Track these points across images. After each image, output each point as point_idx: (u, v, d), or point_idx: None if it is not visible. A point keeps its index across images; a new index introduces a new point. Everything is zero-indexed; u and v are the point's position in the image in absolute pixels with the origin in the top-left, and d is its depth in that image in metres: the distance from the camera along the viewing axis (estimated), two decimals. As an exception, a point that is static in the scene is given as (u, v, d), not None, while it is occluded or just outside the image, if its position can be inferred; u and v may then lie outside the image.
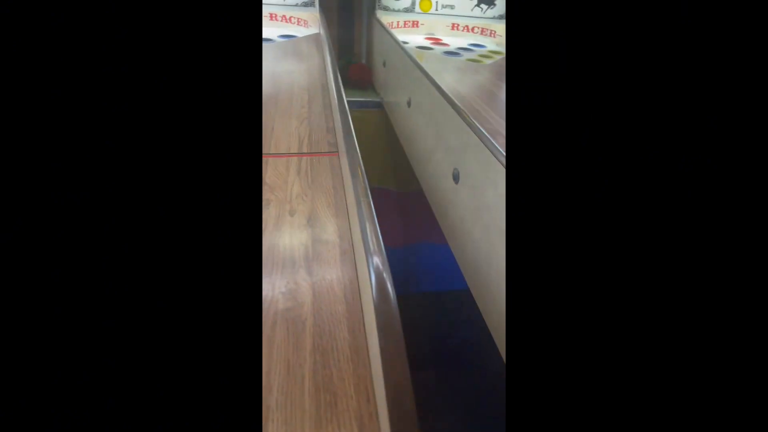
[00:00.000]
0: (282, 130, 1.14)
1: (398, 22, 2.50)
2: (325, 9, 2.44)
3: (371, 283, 0.52)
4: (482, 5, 2.50)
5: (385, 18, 2.43)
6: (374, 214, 0.64)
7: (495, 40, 2.45)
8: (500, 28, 2.51)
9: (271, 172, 0.94)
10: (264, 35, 2.21)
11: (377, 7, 2.51)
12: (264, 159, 0.99)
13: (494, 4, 2.49)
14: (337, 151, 1.05)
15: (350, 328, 0.57)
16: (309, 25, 2.37)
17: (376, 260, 0.54)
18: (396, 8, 2.52)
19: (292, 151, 1.04)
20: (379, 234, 0.59)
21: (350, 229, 0.77)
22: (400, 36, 2.15)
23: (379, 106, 2.35)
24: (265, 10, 2.38)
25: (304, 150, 1.05)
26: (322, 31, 2.12)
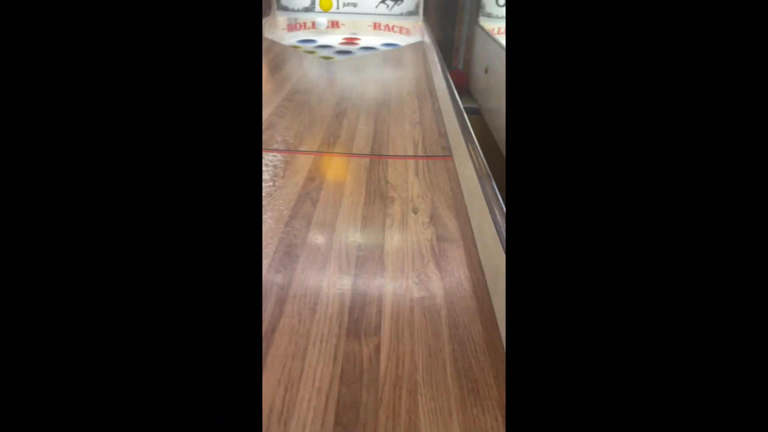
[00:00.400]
0: (397, 133, 1.21)
1: (500, 28, 2.47)
2: (426, 17, 2.50)
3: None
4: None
5: (487, 25, 2.42)
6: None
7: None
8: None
9: (391, 171, 1.00)
10: (366, 44, 2.35)
11: (480, 14, 2.51)
12: (384, 160, 1.06)
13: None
14: (451, 156, 1.09)
15: (483, 323, 0.60)
16: (411, 33, 2.46)
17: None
18: (500, 15, 2.50)
19: (408, 154, 1.10)
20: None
21: (473, 230, 0.79)
22: (504, 42, 2.12)
23: (476, 112, 2.34)
24: (369, 20, 2.53)
25: (419, 153, 1.11)
26: (427, 39, 2.18)
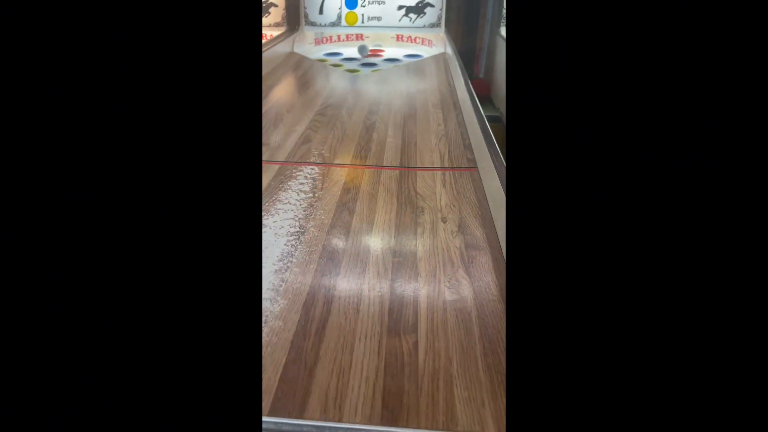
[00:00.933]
0: (424, 146, 1.29)
1: (521, 37, 2.51)
2: (448, 28, 2.57)
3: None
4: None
5: (509, 34, 2.46)
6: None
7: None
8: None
9: (420, 182, 1.08)
10: (390, 55, 2.44)
11: (501, 23, 2.56)
12: (414, 172, 1.13)
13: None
14: (476, 167, 1.15)
15: (511, 324, 0.66)
16: (433, 44, 2.53)
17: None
18: (521, 24, 2.53)
19: (435, 165, 1.17)
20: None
21: (498, 238, 0.86)
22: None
23: (498, 120, 2.39)
24: (392, 32, 2.62)
25: (446, 164, 1.18)
26: (449, 51, 2.25)
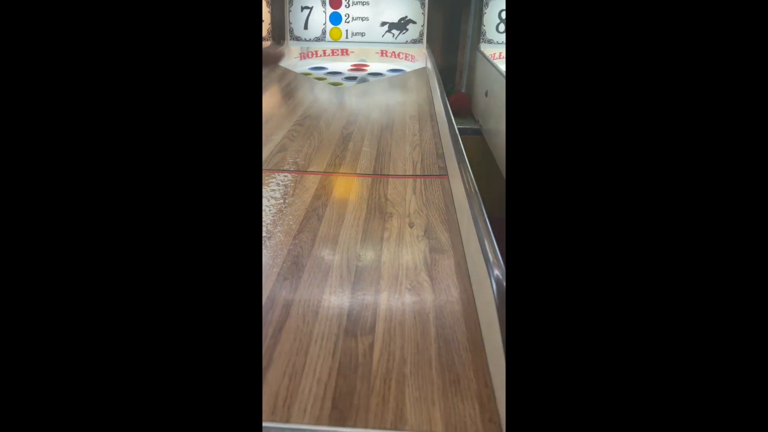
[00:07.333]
0: (398, 154, 1.31)
1: (500, 53, 2.59)
2: (431, 44, 2.64)
3: (492, 288, 0.61)
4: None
5: (488, 50, 2.54)
6: (491, 229, 0.74)
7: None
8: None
9: (391, 189, 1.09)
10: (375, 70, 2.49)
11: (481, 40, 2.65)
12: (385, 179, 1.15)
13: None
14: (447, 174, 1.17)
15: (467, 325, 0.67)
16: (416, 60, 2.60)
17: (497, 272, 0.63)
18: (499, 41, 2.62)
19: (407, 173, 1.19)
20: (497, 247, 0.68)
21: (463, 242, 0.87)
22: (502, 67, 2.23)
23: (477, 132, 2.44)
24: (376, 48, 2.68)
25: (418, 172, 1.20)
26: (429, 66, 2.31)
